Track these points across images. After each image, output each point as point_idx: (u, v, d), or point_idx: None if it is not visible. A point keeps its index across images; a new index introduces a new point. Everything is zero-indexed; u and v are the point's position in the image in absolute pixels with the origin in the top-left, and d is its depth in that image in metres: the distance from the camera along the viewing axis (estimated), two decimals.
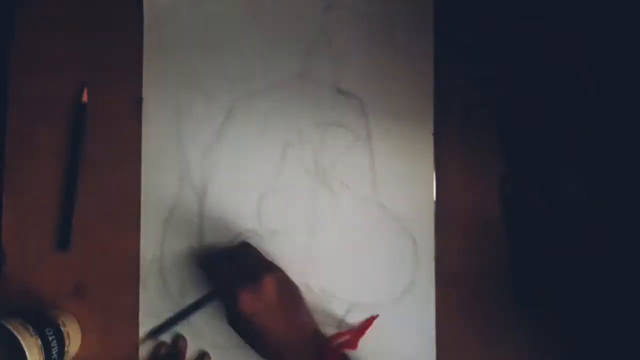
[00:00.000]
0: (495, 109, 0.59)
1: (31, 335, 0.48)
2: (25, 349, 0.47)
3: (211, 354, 0.57)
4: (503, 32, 0.59)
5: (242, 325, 0.50)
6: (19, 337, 0.47)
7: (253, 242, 0.56)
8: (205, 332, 0.57)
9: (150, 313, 0.56)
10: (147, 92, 0.58)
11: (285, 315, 0.50)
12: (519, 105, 0.59)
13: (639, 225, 0.57)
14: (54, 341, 0.50)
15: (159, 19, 0.58)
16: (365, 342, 0.56)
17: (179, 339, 0.56)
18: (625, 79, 0.59)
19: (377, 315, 0.57)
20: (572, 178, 0.59)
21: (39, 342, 0.49)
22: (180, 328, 0.56)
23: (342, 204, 0.58)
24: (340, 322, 0.57)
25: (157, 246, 0.57)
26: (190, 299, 0.56)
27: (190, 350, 0.56)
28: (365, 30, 0.59)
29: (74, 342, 0.54)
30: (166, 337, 0.56)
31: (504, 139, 0.59)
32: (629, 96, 0.59)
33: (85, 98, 0.57)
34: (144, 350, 0.56)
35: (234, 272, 0.51)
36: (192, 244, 0.57)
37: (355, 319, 0.57)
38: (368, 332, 0.56)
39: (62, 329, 0.52)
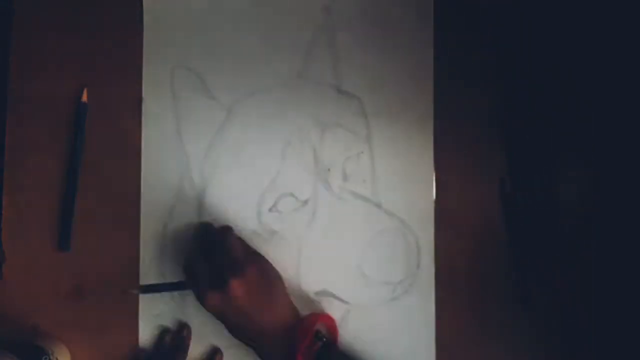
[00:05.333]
0: (496, 109, 0.59)
1: None
2: None
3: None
4: (504, 32, 0.60)
5: (221, 310, 0.50)
6: None
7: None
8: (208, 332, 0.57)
9: (150, 313, 0.56)
10: (147, 92, 0.58)
11: (264, 300, 0.51)
12: (520, 105, 0.59)
13: (639, 225, 0.57)
14: None
15: (159, 19, 0.58)
16: (366, 342, 0.56)
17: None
18: (625, 78, 0.59)
19: None
20: (572, 178, 0.59)
21: None
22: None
23: (341, 204, 0.58)
24: (340, 321, 0.57)
25: (157, 246, 0.57)
26: (189, 299, 0.56)
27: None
28: (365, 30, 0.59)
29: None
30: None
31: (504, 139, 0.59)
32: (629, 95, 0.59)
33: (85, 98, 0.57)
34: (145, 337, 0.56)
35: (218, 258, 0.51)
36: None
37: (355, 318, 0.57)
38: (365, 330, 0.56)
39: (51, 358, 0.52)
